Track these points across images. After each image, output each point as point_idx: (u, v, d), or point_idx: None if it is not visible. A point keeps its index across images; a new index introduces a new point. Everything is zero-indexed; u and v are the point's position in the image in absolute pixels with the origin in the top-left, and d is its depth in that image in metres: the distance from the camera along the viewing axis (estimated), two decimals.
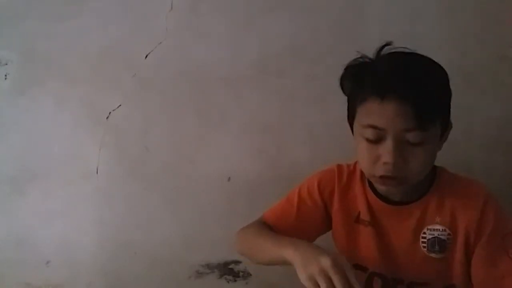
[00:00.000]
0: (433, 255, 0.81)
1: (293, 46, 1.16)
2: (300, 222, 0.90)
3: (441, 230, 0.80)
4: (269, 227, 0.90)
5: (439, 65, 0.77)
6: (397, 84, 0.71)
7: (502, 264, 0.75)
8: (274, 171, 1.18)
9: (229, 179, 1.20)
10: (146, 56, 1.18)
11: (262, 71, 1.17)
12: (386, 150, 0.73)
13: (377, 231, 0.84)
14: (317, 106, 1.17)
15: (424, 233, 0.81)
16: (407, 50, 0.76)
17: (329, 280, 0.65)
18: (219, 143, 1.19)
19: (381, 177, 0.75)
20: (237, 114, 1.19)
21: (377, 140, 0.74)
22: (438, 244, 0.80)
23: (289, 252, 0.72)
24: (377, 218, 0.85)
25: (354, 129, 0.81)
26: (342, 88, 0.82)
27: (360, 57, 0.80)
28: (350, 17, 1.15)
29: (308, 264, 0.68)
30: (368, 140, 0.75)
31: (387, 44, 0.78)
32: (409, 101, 0.70)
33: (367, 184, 0.87)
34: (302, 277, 0.68)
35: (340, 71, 1.14)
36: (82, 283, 1.23)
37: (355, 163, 0.91)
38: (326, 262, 0.66)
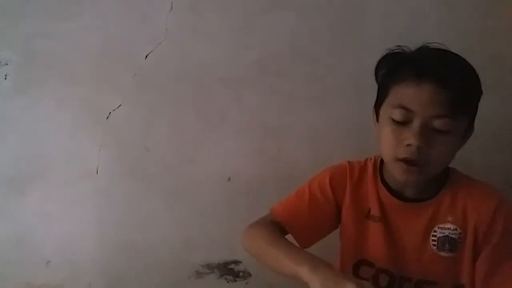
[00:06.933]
0: (442, 253, 0.81)
1: (293, 46, 1.16)
2: (312, 219, 0.88)
3: (452, 229, 0.80)
4: (281, 227, 0.87)
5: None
6: (436, 69, 0.73)
7: (506, 266, 0.76)
8: (274, 171, 1.18)
9: (229, 179, 1.20)
10: (146, 56, 1.18)
11: (262, 71, 1.17)
12: (411, 132, 0.74)
13: (386, 227, 0.84)
14: (317, 106, 1.17)
15: (435, 231, 0.81)
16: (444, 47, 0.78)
17: None
18: (219, 143, 1.19)
19: (403, 160, 0.75)
20: (237, 114, 1.19)
21: (403, 122, 0.75)
22: (449, 243, 0.80)
23: (306, 272, 0.68)
24: (388, 214, 0.85)
25: (380, 114, 0.81)
26: (376, 75, 0.83)
27: (398, 47, 0.81)
28: (350, 17, 1.15)
29: None
30: (394, 121, 0.76)
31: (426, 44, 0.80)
32: (445, 88, 0.71)
33: (379, 180, 0.87)
34: None
35: (340, 71, 1.15)
36: (82, 283, 1.23)
37: (366, 159, 0.91)
38: None
